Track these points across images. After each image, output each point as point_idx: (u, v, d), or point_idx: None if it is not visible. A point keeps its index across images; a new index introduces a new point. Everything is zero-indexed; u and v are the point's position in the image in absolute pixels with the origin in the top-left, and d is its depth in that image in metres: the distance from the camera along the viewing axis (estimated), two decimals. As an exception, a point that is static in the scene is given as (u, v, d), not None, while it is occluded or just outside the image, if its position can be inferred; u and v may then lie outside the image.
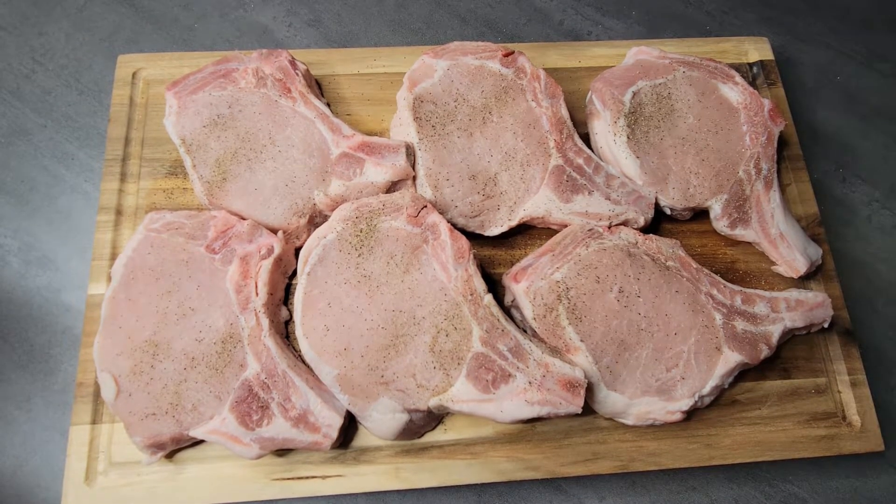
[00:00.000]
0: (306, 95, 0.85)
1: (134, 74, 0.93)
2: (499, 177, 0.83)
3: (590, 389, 0.74)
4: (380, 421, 0.71)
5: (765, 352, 0.77)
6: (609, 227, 0.82)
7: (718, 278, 0.81)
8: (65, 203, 0.93)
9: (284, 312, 0.80)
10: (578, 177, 0.84)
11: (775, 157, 0.88)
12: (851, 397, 0.82)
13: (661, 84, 0.89)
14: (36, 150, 0.96)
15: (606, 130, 0.87)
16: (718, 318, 0.78)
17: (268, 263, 0.76)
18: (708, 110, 0.89)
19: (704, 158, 0.86)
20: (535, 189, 0.83)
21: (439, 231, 0.76)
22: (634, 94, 0.88)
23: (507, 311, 0.81)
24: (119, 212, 0.85)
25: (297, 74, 0.86)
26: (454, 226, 0.80)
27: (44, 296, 0.88)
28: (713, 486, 0.83)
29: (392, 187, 0.82)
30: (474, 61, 0.88)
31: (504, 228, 0.83)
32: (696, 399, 0.75)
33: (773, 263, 0.88)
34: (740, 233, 0.86)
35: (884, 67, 1.12)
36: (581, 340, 0.74)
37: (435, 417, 0.76)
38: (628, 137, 0.85)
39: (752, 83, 0.99)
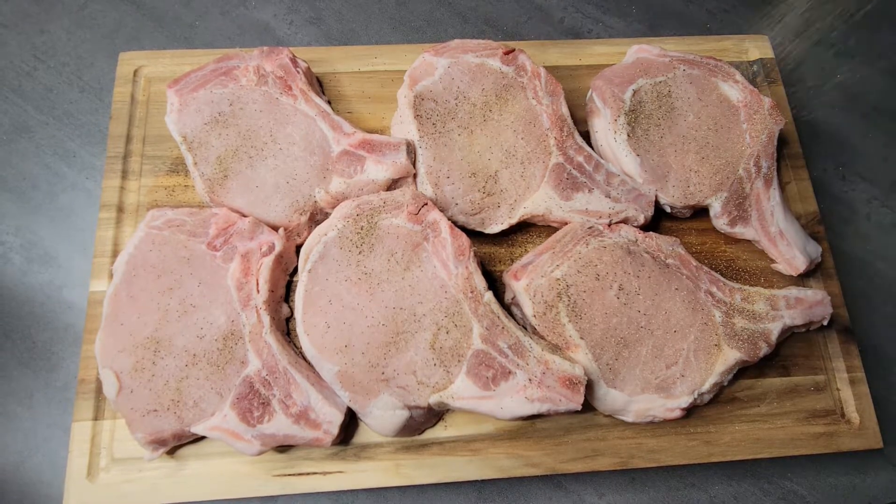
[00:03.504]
0: (307, 93, 0.85)
1: (135, 72, 0.93)
2: (499, 174, 0.83)
3: (589, 386, 0.74)
4: (380, 417, 0.71)
5: (764, 349, 0.77)
6: (609, 225, 0.82)
7: (718, 276, 0.81)
8: (66, 200, 0.93)
9: (285, 309, 0.80)
10: (578, 175, 0.84)
11: (775, 155, 0.88)
12: (850, 395, 0.82)
13: (662, 82, 0.89)
14: (38, 148, 0.96)
15: (607, 128, 0.87)
16: (718, 315, 0.78)
17: (269, 261, 0.76)
18: (708, 108, 0.89)
19: (704, 156, 0.86)
20: (536, 187, 0.84)
21: (440, 228, 0.76)
22: (635, 92, 0.88)
23: (507, 308, 0.81)
24: (120, 209, 0.85)
25: (298, 72, 0.86)
26: (454, 223, 0.80)
27: (46, 293, 0.88)
28: (712, 482, 0.83)
29: (393, 185, 0.82)
30: (475, 59, 0.88)
31: (504, 226, 0.83)
32: (696, 396, 0.75)
33: (773, 261, 0.88)
34: (740, 231, 0.87)
35: (884, 66, 1.12)
36: (581, 338, 0.74)
37: (435, 414, 0.76)
38: (628, 135, 0.86)
39: (753, 81, 0.99)
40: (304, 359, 0.75)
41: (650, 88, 0.89)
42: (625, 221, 0.84)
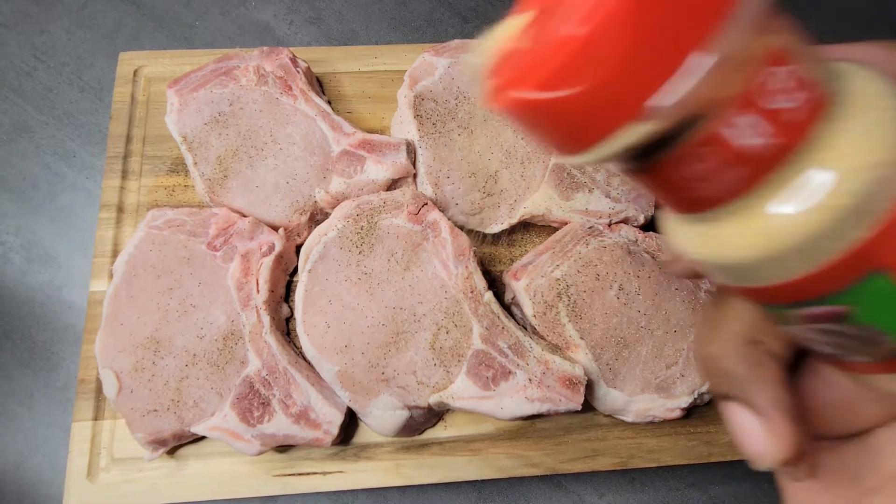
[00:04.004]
0: (307, 93, 0.85)
1: (135, 72, 0.93)
2: (499, 174, 0.83)
3: (589, 386, 0.74)
4: (380, 417, 0.71)
5: (764, 349, 0.77)
6: (609, 225, 0.82)
7: (718, 276, 0.81)
8: (66, 200, 0.93)
9: (285, 309, 0.80)
10: (579, 174, 0.84)
11: (775, 155, 0.88)
12: (850, 395, 0.82)
13: (662, 82, 0.89)
14: (37, 148, 0.96)
15: (607, 128, 0.87)
16: (718, 315, 0.78)
17: (269, 261, 0.76)
18: (708, 108, 0.89)
19: (704, 156, 0.86)
20: (536, 187, 0.84)
21: (440, 228, 0.76)
22: (635, 92, 0.88)
23: (507, 308, 0.81)
24: (120, 209, 0.85)
25: (298, 72, 0.86)
26: (454, 223, 0.80)
27: (45, 293, 0.88)
28: (712, 482, 0.83)
29: (393, 185, 0.82)
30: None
31: (504, 226, 0.83)
32: (696, 396, 0.75)
33: (773, 261, 0.88)
34: (740, 231, 0.86)
35: (884, 66, 1.12)
36: (581, 338, 0.74)
37: (435, 414, 0.76)
38: (628, 135, 0.86)
39: (753, 81, 0.99)
40: (304, 359, 0.75)
41: (650, 88, 0.89)
42: (625, 221, 0.84)
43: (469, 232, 0.83)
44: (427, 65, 0.87)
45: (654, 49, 0.19)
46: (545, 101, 0.20)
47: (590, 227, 0.81)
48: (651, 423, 0.78)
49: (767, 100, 0.21)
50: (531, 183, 0.84)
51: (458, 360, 0.72)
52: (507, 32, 0.24)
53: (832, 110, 0.21)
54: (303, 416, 0.70)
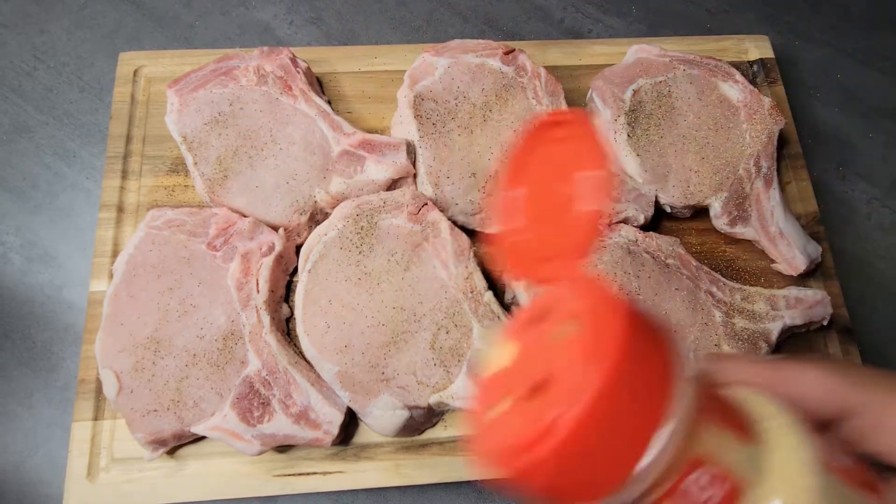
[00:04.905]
0: (307, 93, 0.85)
1: (135, 72, 0.93)
2: (499, 174, 0.83)
3: (589, 386, 0.74)
4: (380, 418, 0.71)
5: (764, 349, 0.77)
6: (609, 225, 0.82)
7: (718, 276, 0.81)
8: (66, 200, 0.93)
9: (285, 309, 0.80)
10: (579, 175, 0.84)
11: (775, 155, 0.88)
12: (850, 395, 0.82)
13: (662, 82, 0.89)
14: (37, 148, 0.96)
15: (607, 128, 0.87)
16: (718, 315, 0.78)
17: (269, 261, 0.76)
18: (708, 108, 0.89)
19: (704, 156, 0.86)
20: (536, 187, 0.83)
21: (440, 228, 0.76)
22: (635, 91, 0.88)
23: (507, 308, 0.81)
24: (120, 209, 0.85)
25: (298, 72, 0.86)
26: (455, 223, 0.80)
27: (45, 293, 0.88)
28: (712, 482, 0.83)
29: (393, 185, 0.82)
30: (475, 59, 0.88)
31: (504, 226, 0.83)
32: (696, 396, 0.75)
33: (773, 261, 0.88)
34: (740, 230, 0.87)
35: (885, 66, 1.12)
36: (581, 338, 0.74)
37: (435, 414, 0.76)
38: (628, 135, 0.86)
39: (753, 81, 0.99)
40: (304, 359, 0.75)
41: (650, 88, 0.89)
42: (625, 221, 0.84)
43: (469, 232, 0.83)
44: (427, 65, 0.87)
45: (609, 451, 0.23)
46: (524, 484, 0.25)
47: (590, 227, 0.80)
48: (651, 423, 0.78)
49: (689, 498, 0.24)
50: (531, 183, 0.84)
51: (458, 360, 0.72)
52: (495, 362, 0.29)
53: (750, 491, 0.25)
54: (303, 416, 0.70)
